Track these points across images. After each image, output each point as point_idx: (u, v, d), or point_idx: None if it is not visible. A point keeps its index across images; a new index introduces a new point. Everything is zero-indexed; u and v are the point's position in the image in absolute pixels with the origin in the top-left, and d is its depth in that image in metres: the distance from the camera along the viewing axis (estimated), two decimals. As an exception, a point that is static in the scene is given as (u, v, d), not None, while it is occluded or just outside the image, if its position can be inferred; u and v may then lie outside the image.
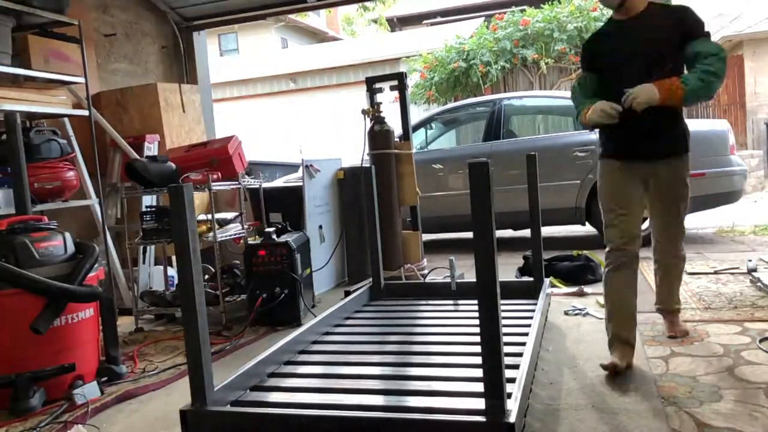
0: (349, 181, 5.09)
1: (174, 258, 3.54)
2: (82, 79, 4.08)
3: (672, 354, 2.77)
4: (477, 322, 1.88)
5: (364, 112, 4.53)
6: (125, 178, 4.23)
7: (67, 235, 2.93)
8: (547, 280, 3.72)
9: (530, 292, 3.59)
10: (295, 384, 2.47)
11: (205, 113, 5.82)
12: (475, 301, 1.87)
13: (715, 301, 3.63)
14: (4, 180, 3.61)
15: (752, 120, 12.28)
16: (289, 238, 3.88)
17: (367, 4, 24.85)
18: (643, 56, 2.58)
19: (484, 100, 6.99)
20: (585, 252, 4.62)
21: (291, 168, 6.92)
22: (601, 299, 3.81)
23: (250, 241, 4.01)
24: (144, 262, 4.58)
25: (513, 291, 3.63)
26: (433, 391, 2.28)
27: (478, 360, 1.93)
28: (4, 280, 2.61)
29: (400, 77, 4.59)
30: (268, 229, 3.92)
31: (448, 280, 3.84)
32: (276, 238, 3.85)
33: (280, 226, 4.07)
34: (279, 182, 5.72)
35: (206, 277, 4.40)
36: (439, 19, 19.43)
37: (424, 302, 3.80)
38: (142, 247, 4.39)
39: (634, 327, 2.68)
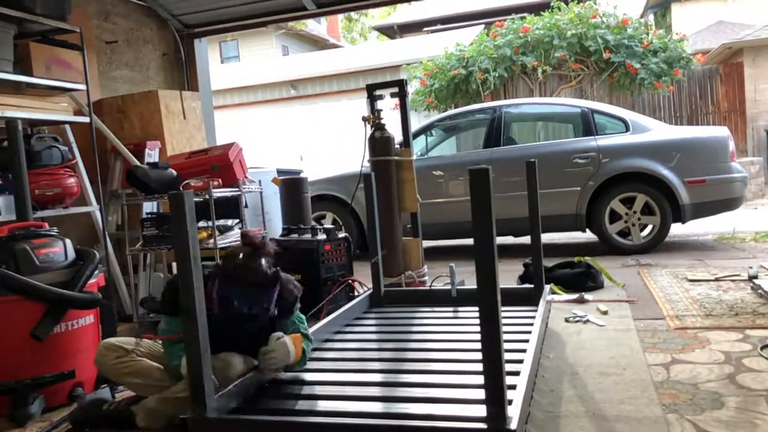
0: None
1: (174, 265, 3.54)
2: (83, 86, 4.09)
3: (673, 361, 2.77)
4: (478, 328, 1.88)
5: (364, 119, 4.54)
6: (126, 184, 4.23)
7: (68, 241, 2.93)
8: (547, 287, 3.72)
9: (531, 298, 3.58)
10: (295, 391, 2.47)
11: (205, 120, 5.83)
12: (476, 308, 1.87)
13: (716, 308, 3.63)
14: (5, 186, 3.61)
15: (752, 127, 12.29)
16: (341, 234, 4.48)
17: (353, 15, 25.03)
18: None
19: (485, 107, 7.00)
20: (586, 259, 4.61)
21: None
22: (602, 306, 3.82)
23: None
24: (144, 269, 4.57)
25: (513, 298, 3.62)
26: (433, 398, 2.27)
27: (479, 367, 1.93)
28: (5, 287, 2.60)
29: (401, 84, 4.60)
30: (327, 227, 4.48)
31: (449, 286, 3.84)
32: (338, 235, 4.39)
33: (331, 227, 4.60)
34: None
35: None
36: (439, 26, 19.50)
37: (424, 309, 3.79)
38: (142, 253, 4.39)
39: None
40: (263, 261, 2.40)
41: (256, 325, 2.42)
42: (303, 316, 2.66)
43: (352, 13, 25.05)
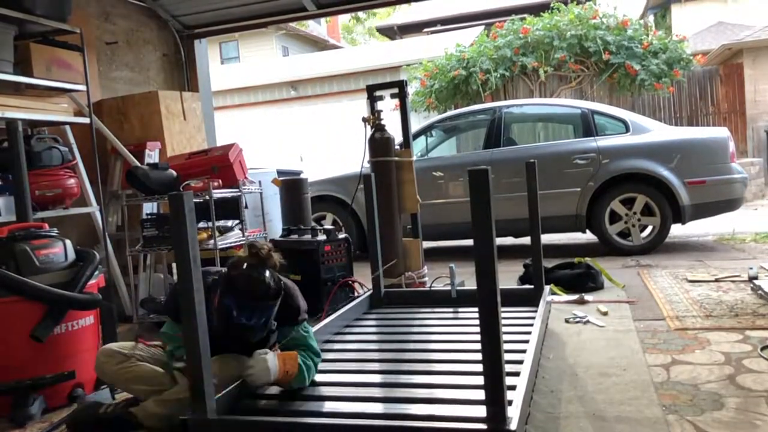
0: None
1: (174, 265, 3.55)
2: (83, 87, 4.09)
3: (673, 362, 2.77)
4: (478, 329, 1.88)
5: (364, 119, 4.54)
6: (126, 185, 4.23)
7: (68, 242, 2.93)
8: (547, 288, 3.72)
9: (530, 299, 3.58)
10: (295, 392, 2.46)
11: (206, 121, 5.83)
12: (476, 309, 1.87)
13: (716, 308, 3.63)
14: (5, 187, 3.61)
15: (752, 128, 12.29)
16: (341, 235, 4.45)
17: (359, 14, 25.00)
18: None
19: (485, 108, 7.01)
20: (586, 260, 4.61)
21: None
22: (602, 307, 3.82)
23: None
24: (144, 270, 4.58)
25: (513, 298, 3.62)
26: (433, 399, 2.27)
27: (479, 367, 1.93)
28: (5, 288, 2.61)
29: (401, 85, 4.60)
30: (327, 227, 4.45)
31: (449, 287, 3.84)
32: (338, 236, 4.36)
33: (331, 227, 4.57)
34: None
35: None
36: (439, 27, 19.49)
37: (424, 310, 3.79)
38: (142, 254, 4.39)
39: None
40: (267, 273, 2.31)
41: (253, 337, 2.36)
42: (310, 330, 2.57)
43: (360, 13, 25.02)
